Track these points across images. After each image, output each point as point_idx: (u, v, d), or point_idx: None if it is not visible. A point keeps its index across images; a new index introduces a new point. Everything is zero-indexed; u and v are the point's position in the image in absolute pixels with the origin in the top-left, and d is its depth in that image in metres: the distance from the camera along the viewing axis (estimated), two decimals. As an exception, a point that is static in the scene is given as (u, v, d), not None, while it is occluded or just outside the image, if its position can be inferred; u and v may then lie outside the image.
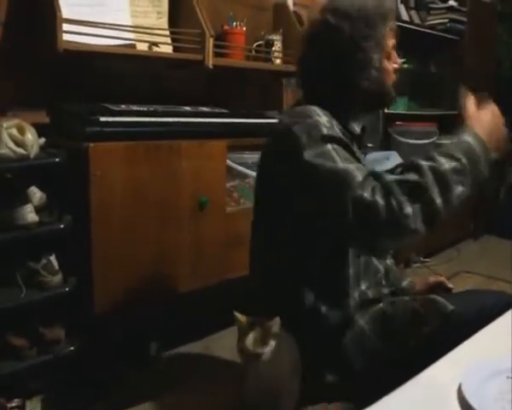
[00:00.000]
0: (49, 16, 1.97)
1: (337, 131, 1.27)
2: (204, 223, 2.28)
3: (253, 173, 2.50)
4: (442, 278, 1.69)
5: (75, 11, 2.10)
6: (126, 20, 2.31)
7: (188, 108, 2.42)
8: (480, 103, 1.29)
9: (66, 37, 1.99)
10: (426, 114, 4.08)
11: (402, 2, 3.81)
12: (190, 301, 2.38)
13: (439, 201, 1.10)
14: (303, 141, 1.22)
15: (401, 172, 1.16)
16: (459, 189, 1.13)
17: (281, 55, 2.91)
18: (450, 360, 0.92)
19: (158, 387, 2.20)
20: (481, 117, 1.25)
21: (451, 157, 1.14)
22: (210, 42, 2.40)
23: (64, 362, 1.86)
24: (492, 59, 4.56)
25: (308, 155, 1.20)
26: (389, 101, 1.47)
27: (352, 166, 1.17)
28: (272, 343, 1.09)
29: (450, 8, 4.07)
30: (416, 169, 1.13)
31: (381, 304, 1.39)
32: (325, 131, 1.23)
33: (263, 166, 1.44)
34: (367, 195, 1.11)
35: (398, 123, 3.82)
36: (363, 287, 1.41)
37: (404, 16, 3.82)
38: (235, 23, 2.73)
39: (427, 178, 1.11)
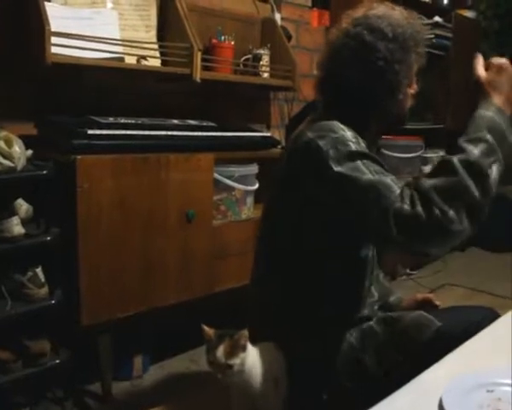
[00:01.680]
0: (38, 29, 1.98)
1: (363, 145, 1.26)
2: (191, 235, 2.28)
3: (240, 186, 2.51)
4: (430, 295, 1.70)
5: (63, 24, 2.11)
6: (115, 33, 2.32)
7: (175, 122, 2.43)
8: (494, 68, 1.29)
9: (54, 50, 1.99)
10: (412, 127, 4.11)
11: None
12: (177, 314, 2.38)
13: (477, 194, 1.10)
14: (331, 155, 1.20)
15: (434, 174, 1.14)
16: (493, 169, 1.13)
17: (268, 69, 2.94)
18: (432, 373, 0.94)
19: (145, 400, 2.19)
20: (497, 82, 1.26)
21: (478, 140, 1.15)
22: (198, 56, 2.42)
23: (50, 375, 1.86)
24: (477, 74, 4.62)
25: (339, 168, 1.19)
26: (401, 124, 1.48)
27: (387, 180, 1.16)
28: (242, 355, 1.10)
29: (436, 25, 4.13)
30: (449, 168, 1.12)
31: (372, 322, 1.40)
32: (353, 146, 1.22)
33: (283, 179, 1.38)
34: (407, 207, 1.10)
35: (384, 137, 3.85)
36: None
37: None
38: (223, 37, 2.75)
39: (461, 175, 1.10)
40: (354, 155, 1.20)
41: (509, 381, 0.89)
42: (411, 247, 1.16)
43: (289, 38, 3.12)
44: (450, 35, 4.23)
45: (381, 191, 1.14)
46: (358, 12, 1.39)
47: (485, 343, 1.07)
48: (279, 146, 2.82)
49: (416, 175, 3.97)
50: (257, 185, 2.63)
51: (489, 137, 1.15)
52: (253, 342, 1.18)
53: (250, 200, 2.62)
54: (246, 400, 1.18)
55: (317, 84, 1.44)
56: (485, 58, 1.36)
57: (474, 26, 4.60)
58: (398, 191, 1.13)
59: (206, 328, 1.15)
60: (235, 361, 1.09)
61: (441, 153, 4.33)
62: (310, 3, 3.52)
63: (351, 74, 1.33)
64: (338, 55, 1.36)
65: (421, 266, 3.99)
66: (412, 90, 1.43)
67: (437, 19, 4.14)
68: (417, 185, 1.13)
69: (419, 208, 1.09)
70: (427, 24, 4.11)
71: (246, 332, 1.11)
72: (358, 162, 1.19)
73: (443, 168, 1.14)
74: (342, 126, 1.26)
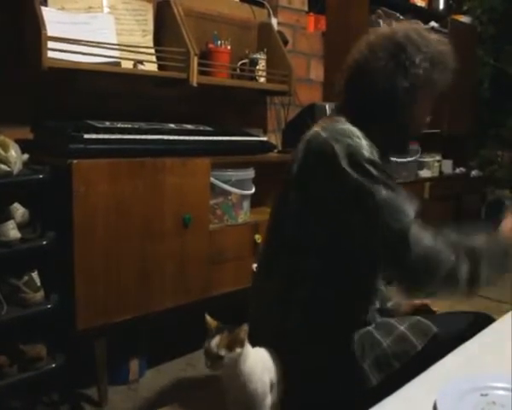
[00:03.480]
0: (34, 34, 1.98)
1: (376, 157, 1.26)
2: (187, 240, 2.28)
3: (236, 191, 2.51)
4: (427, 301, 1.71)
5: (60, 29, 2.12)
6: (111, 38, 2.32)
7: (172, 126, 2.44)
8: None
9: (50, 54, 2.00)
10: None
11: (385, 23, 3.86)
12: (174, 318, 2.38)
13: (483, 274, 1.26)
14: (347, 160, 1.22)
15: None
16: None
17: (265, 73, 2.94)
18: (426, 377, 0.94)
19: (141, 404, 2.18)
20: None
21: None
22: (194, 60, 2.43)
23: (46, 380, 1.85)
24: (472, 79, 4.64)
25: (356, 175, 1.21)
26: (406, 147, 1.51)
27: (405, 201, 1.25)
28: (238, 350, 1.10)
29: (432, 29, 4.14)
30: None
31: (370, 327, 1.40)
32: (367, 154, 1.23)
33: (294, 179, 1.36)
34: (428, 241, 1.23)
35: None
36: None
37: (387, 37, 3.88)
38: (219, 42, 2.76)
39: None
40: (368, 163, 1.22)
41: (503, 385, 0.90)
42: (418, 275, 1.24)
43: (286, 42, 3.13)
44: (446, 40, 4.24)
45: (401, 211, 1.22)
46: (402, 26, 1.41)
47: (479, 347, 1.08)
48: (275, 150, 2.83)
49: (413, 179, 3.98)
50: (253, 190, 2.63)
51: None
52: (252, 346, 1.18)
53: (247, 204, 2.63)
54: (241, 404, 1.18)
55: (344, 80, 1.42)
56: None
57: (470, 31, 4.62)
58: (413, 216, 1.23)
59: (208, 318, 1.15)
60: (227, 354, 1.10)
61: (437, 157, 4.34)
62: (306, 8, 3.53)
63: (381, 80, 1.32)
64: (375, 55, 1.34)
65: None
66: (428, 118, 1.45)
67: (433, 24, 4.16)
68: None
69: (442, 247, 1.24)
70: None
71: (246, 327, 1.12)
72: (373, 171, 1.22)
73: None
74: (359, 134, 1.27)
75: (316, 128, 1.33)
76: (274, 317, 1.37)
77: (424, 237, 1.22)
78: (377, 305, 1.52)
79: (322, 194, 1.28)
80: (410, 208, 1.23)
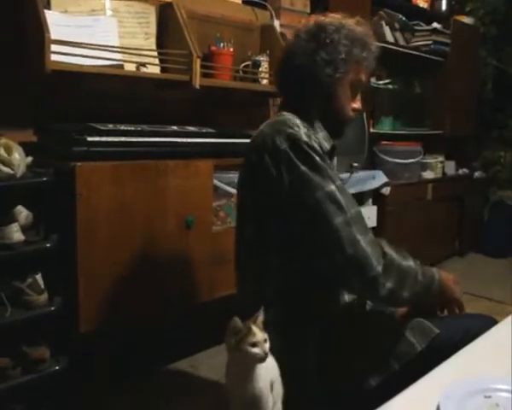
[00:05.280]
0: (38, 37, 1.99)
1: (314, 144, 1.31)
2: (190, 242, 2.29)
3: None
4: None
5: (63, 32, 2.12)
6: (114, 40, 2.33)
7: (175, 128, 2.44)
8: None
9: (54, 57, 2.00)
10: (410, 133, 4.13)
11: (387, 24, 3.87)
12: (177, 320, 2.39)
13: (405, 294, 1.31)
14: (288, 148, 1.28)
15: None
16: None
17: (267, 75, 2.95)
18: (430, 379, 0.94)
19: (144, 406, 2.19)
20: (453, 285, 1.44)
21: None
22: (197, 63, 2.43)
23: (49, 382, 1.85)
24: (475, 80, 4.64)
25: (297, 163, 1.27)
26: (340, 128, 1.51)
27: (346, 197, 1.28)
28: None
29: (435, 31, 4.15)
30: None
31: (370, 329, 1.40)
32: (306, 139, 1.30)
33: (243, 179, 1.46)
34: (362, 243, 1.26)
35: (383, 142, 3.87)
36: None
37: (390, 38, 3.88)
38: (222, 44, 2.77)
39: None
40: (311, 149, 1.29)
41: (506, 387, 0.90)
42: (344, 267, 1.28)
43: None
44: (448, 41, 4.25)
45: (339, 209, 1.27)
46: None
47: (482, 349, 1.08)
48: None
49: (416, 181, 3.98)
50: (256, 191, 2.63)
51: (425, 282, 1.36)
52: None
53: (249, 206, 2.62)
54: (246, 405, 1.18)
55: (277, 76, 1.55)
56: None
57: (473, 32, 4.62)
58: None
59: (237, 319, 1.15)
60: (265, 335, 1.13)
61: (440, 158, 4.34)
62: (308, 10, 3.52)
63: (302, 57, 1.41)
64: (298, 39, 1.44)
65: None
66: (355, 105, 1.47)
67: (435, 25, 4.17)
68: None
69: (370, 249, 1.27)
70: (426, 30, 4.15)
71: (260, 313, 1.14)
72: (317, 158, 1.28)
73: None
74: (297, 123, 1.34)
75: (260, 128, 1.41)
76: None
77: (359, 240, 1.25)
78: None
79: (267, 189, 1.33)
80: (348, 210, 1.27)
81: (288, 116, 1.37)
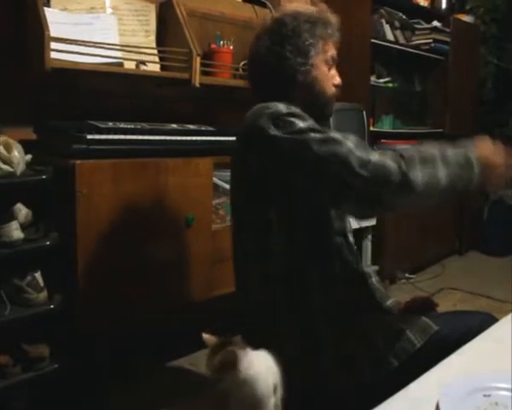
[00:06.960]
0: (37, 34, 1.99)
1: (294, 109, 1.32)
2: (190, 240, 2.29)
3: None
4: (428, 296, 1.71)
5: (63, 29, 2.12)
6: (114, 38, 2.33)
7: (174, 126, 2.44)
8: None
9: (53, 55, 2.01)
10: (410, 132, 4.13)
11: (387, 22, 3.86)
12: (176, 318, 2.39)
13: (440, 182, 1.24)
14: (272, 127, 1.28)
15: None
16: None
17: (267, 73, 2.94)
18: (429, 377, 0.94)
19: (144, 404, 2.19)
20: (487, 149, 1.41)
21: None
22: (197, 61, 2.43)
23: (48, 380, 1.85)
24: (475, 79, 4.63)
25: (287, 135, 1.27)
26: (326, 109, 1.51)
27: (338, 136, 1.26)
28: (232, 373, 1.09)
29: (435, 29, 4.14)
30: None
31: (369, 326, 1.39)
32: (285, 110, 1.30)
33: (233, 172, 1.47)
34: (372, 157, 1.22)
35: (383, 141, 3.86)
36: None
37: (390, 36, 3.88)
38: (222, 42, 2.76)
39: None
40: (291, 116, 1.29)
41: (505, 385, 0.90)
42: (368, 190, 1.23)
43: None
44: (448, 39, 4.24)
45: (336, 143, 1.24)
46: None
47: (482, 347, 1.07)
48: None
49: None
50: (256, 190, 2.63)
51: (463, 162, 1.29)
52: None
53: (249, 204, 2.62)
54: (246, 407, 1.18)
55: (248, 77, 1.57)
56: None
57: (473, 30, 4.62)
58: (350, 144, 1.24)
59: (206, 336, 1.14)
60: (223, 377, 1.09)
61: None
62: (308, 8, 3.52)
63: (268, 49, 1.43)
64: (261, 37, 1.47)
65: (419, 269, 4.00)
66: (335, 81, 1.48)
67: (435, 23, 4.16)
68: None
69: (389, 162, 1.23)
70: (426, 28, 4.14)
71: (238, 341, 1.12)
72: (298, 122, 1.28)
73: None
74: (275, 102, 1.34)
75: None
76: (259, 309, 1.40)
77: (369, 156, 1.23)
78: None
79: (257, 169, 1.33)
80: (345, 140, 1.25)
81: (266, 102, 1.37)
